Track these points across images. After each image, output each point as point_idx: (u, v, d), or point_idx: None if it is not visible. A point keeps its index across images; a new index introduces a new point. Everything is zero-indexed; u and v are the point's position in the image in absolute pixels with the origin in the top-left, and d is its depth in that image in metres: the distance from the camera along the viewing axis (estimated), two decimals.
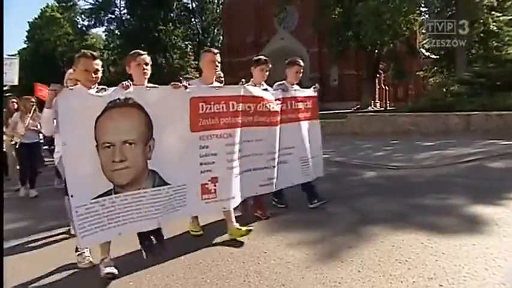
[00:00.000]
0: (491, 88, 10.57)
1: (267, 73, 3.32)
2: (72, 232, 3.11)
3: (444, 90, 13.43)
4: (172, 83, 2.59)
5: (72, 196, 2.09)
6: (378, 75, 24.55)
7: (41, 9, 32.55)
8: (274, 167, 3.23)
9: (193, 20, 32.66)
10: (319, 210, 3.51)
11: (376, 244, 2.62)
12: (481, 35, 16.48)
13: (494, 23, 15.68)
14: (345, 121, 11.26)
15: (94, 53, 2.39)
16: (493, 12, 15.74)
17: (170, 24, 28.53)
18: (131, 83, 2.35)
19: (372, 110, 20.26)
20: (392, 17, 15.09)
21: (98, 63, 2.36)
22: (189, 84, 2.67)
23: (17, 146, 5.08)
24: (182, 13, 31.15)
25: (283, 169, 3.31)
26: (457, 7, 15.37)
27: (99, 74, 2.36)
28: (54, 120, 2.24)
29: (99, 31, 44.39)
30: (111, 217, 2.21)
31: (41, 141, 5.71)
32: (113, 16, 29.21)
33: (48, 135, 2.63)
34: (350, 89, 25.24)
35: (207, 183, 2.69)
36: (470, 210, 3.36)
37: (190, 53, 31.73)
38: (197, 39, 33.19)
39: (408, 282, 2.06)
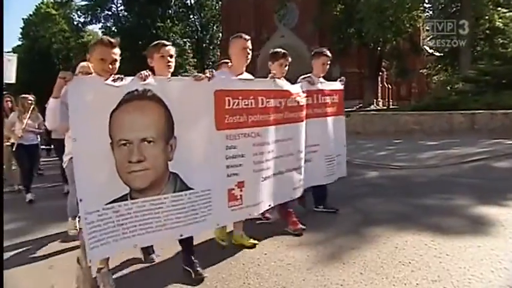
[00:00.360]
0: (496, 86, 10.47)
1: (286, 68, 3.03)
2: (70, 233, 3.11)
3: (448, 88, 13.33)
4: (194, 74, 2.34)
5: (81, 200, 1.81)
6: (380, 73, 24.38)
7: (36, 6, 32.26)
8: (302, 167, 2.99)
9: (191, 16, 32.49)
10: (320, 211, 3.47)
11: (378, 245, 2.58)
12: (487, 31, 16.29)
13: (500, 20, 15.48)
14: (347, 120, 11.18)
15: (112, 40, 2.07)
16: (498, 8, 15.54)
17: (168, 21, 28.41)
18: (150, 73, 2.07)
19: (375, 108, 20.15)
20: (395, 14, 14.97)
21: (116, 52, 2.06)
22: (213, 76, 2.35)
23: (13, 148, 4.71)
24: (180, 10, 31.02)
25: (306, 168, 3.03)
26: (462, 3, 15.20)
27: (117, 65, 2.06)
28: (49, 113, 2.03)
29: (96, 28, 44.30)
30: (127, 226, 1.95)
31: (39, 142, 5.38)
32: (110, 13, 29.04)
33: (52, 128, 2.34)
34: (352, 87, 24.99)
35: (233, 189, 2.41)
36: (475, 210, 3.30)
37: (189, 51, 31.59)
38: (196, 37, 33.07)
39: (412, 285, 2.02)
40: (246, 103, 2.48)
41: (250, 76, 2.70)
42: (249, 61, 2.61)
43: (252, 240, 2.70)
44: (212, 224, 2.35)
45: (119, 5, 28.95)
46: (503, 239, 2.59)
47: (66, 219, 3.20)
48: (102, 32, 30.25)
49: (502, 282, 1.99)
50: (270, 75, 2.79)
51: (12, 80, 7.28)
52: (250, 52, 2.59)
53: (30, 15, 32.00)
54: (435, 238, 2.65)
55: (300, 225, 2.93)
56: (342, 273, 2.21)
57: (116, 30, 28.52)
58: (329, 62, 3.35)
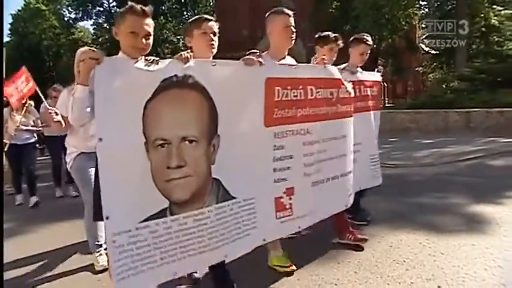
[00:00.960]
0: (491, 84, 10.52)
1: (336, 54, 2.64)
2: (99, 267, 2.43)
3: (444, 86, 13.39)
4: (246, 57, 1.90)
5: (108, 218, 1.41)
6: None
7: (25, 1, 31.57)
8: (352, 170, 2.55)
9: (185, 13, 32.13)
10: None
11: (373, 244, 2.58)
12: (482, 29, 16.38)
13: (495, 17, 15.58)
14: None
15: (145, 8, 1.66)
16: (494, 6, 15.63)
17: (161, 17, 28.08)
18: (192, 54, 1.69)
19: None
20: (391, 11, 15.01)
21: (150, 24, 1.67)
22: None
23: (5, 148, 4.29)
24: (174, 6, 30.70)
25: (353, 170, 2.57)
26: (457, 1, 15.24)
27: (151, 41, 1.69)
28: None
29: (87, 24, 43.74)
30: (165, 249, 1.55)
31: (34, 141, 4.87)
32: (102, 9, 28.56)
33: (79, 125, 1.80)
34: None
35: (281, 197, 2.03)
36: (470, 209, 3.31)
37: (183, 48, 31.37)
38: None
39: (406, 284, 2.02)
40: (295, 94, 2.05)
41: (293, 61, 2.28)
42: (293, 42, 2.16)
43: (291, 268, 2.23)
44: (258, 240, 1.94)
45: (110, 1, 28.61)
46: (498, 237, 2.59)
47: (58, 223, 3.10)
48: (93, 28, 29.90)
49: (496, 280, 2.00)
50: (313, 58, 2.38)
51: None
52: (294, 31, 2.14)
53: (19, 10, 31.50)
54: (430, 237, 2.65)
55: (360, 235, 2.57)
56: (337, 272, 2.20)
57: (108, 26, 28.19)
58: (369, 52, 2.94)
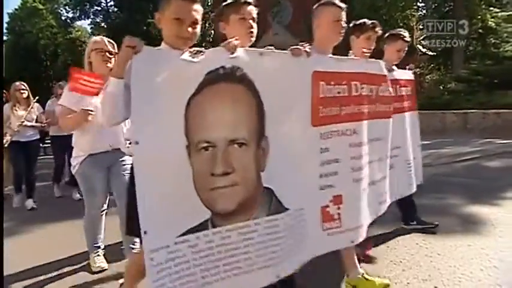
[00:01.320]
0: (488, 86, 10.60)
1: (374, 44, 2.41)
2: (95, 268, 2.41)
3: (441, 87, 13.45)
4: (293, 46, 1.64)
5: (146, 233, 1.23)
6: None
7: (22, 0, 31.69)
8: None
9: None
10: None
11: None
12: (479, 31, 16.48)
13: (492, 19, 15.68)
14: None
15: None
16: (491, 8, 15.72)
17: None
18: (239, 42, 1.43)
19: None
20: (388, 12, 15.06)
21: (199, 10, 1.47)
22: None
23: (6, 145, 4.00)
24: None
25: (390, 176, 2.33)
26: (455, 3, 15.34)
27: (198, 29, 1.47)
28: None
29: (85, 24, 43.42)
30: (206, 267, 1.35)
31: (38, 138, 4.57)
32: (99, 8, 28.32)
33: (111, 124, 1.52)
34: None
35: (328, 206, 1.77)
36: (466, 210, 3.34)
37: None
38: None
39: (402, 284, 2.03)
40: (339, 90, 1.82)
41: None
42: (341, 38, 1.95)
43: (381, 280, 2.00)
44: (308, 255, 1.70)
45: (108, 0, 28.55)
46: (493, 238, 2.61)
47: (57, 223, 3.08)
48: (91, 27, 29.74)
49: (492, 280, 2.01)
50: (351, 52, 2.16)
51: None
52: (344, 26, 1.92)
53: (16, 9, 31.30)
54: (426, 237, 2.67)
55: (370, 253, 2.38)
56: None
57: (105, 26, 28.08)
58: (406, 49, 2.73)
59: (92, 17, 29.12)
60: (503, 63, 11.47)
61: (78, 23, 31.21)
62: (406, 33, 2.73)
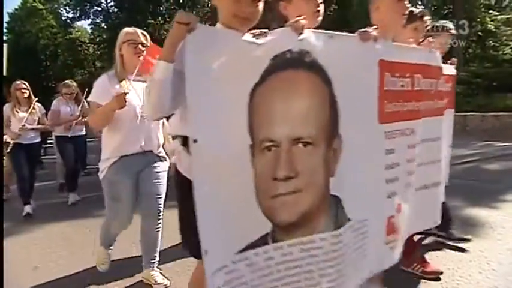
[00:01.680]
0: (487, 88, 10.64)
1: (421, 35, 2.18)
2: (101, 268, 2.32)
3: None
4: (361, 30, 1.41)
5: (207, 252, 1.05)
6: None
7: (22, 0, 31.59)
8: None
9: None
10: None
11: None
12: (479, 34, 16.54)
13: (491, 22, 15.73)
14: None
15: None
16: (490, 11, 15.78)
17: (160, 18, 27.97)
18: (306, 21, 1.19)
19: None
20: None
21: None
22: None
23: (8, 150, 3.70)
24: (172, 7, 30.62)
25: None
26: (454, 5, 15.39)
27: (260, 7, 1.25)
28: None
29: (84, 24, 43.47)
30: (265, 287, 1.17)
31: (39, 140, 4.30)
32: (99, 9, 28.19)
33: (157, 117, 1.36)
34: None
35: (393, 216, 1.56)
36: (465, 212, 3.33)
37: None
38: None
39: (401, 286, 2.03)
40: (402, 83, 1.59)
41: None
42: (404, 22, 1.74)
43: None
44: (368, 273, 1.49)
45: (108, 0, 28.52)
46: (492, 241, 2.61)
47: (55, 224, 3.04)
48: (91, 28, 29.76)
49: (490, 283, 2.01)
50: (412, 41, 1.92)
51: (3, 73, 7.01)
52: (408, 7, 1.68)
53: (16, 9, 31.36)
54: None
55: (431, 267, 2.13)
56: None
57: (105, 26, 28.09)
58: (454, 43, 2.43)
59: (92, 17, 29.11)
60: (503, 66, 11.53)
61: (78, 23, 31.22)
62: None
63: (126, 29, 2.10)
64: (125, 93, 1.86)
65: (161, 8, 29.54)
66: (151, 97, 1.15)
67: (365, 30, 1.41)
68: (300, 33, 1.17)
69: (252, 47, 1.11)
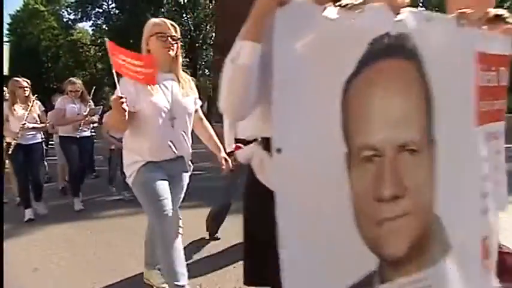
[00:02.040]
0: None
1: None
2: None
3: None
4: (459, 11, 1.11)
5: None
6: None
7: (24, 1, 31.28)
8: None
9: (184, 16, 32.24)
10: None
11: None
12: None
13: None
14: None
15: None
16: None
17: None
18: None
19: None
20: None
21: None
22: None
23: (9, 151, 3.49)
24: (173, 8, 30.77)
25: None
26: None
27: None
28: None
29: (86, 26, 43.77)
30: None
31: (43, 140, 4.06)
32: (101, 10, 28.36)
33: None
34: None
35: (487, 236, 1.28)
36: None
37: (182, 51, 31.32)
38: (189, 36, 32.82)
39: None
40: (488, 77, 1.31)
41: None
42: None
43: None
44: None
45: (110, 2, 28.62)
46: None
47: (55, 224, 3.03)
48: (92, 29, 29.93)
49: None
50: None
51: (4, 72, 6.93)
52: None
53: (18, 11, 31.53)
54: None
55: None
56: None
57: (106, 28, 28.25)
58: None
59: (93, 19, 29.31)
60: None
61: (80, 25, 31.39)
62: (508, 14, 2.26)
63: (154, 20, 1.85)
64: (120, 97, 1.59)
65: (162, 10, 29.69)
66: (235, 88, 0.89)
67: (464, 11, 1.11)
68: (398, 13, 0.92)
69: (351, 28, 0.87)
